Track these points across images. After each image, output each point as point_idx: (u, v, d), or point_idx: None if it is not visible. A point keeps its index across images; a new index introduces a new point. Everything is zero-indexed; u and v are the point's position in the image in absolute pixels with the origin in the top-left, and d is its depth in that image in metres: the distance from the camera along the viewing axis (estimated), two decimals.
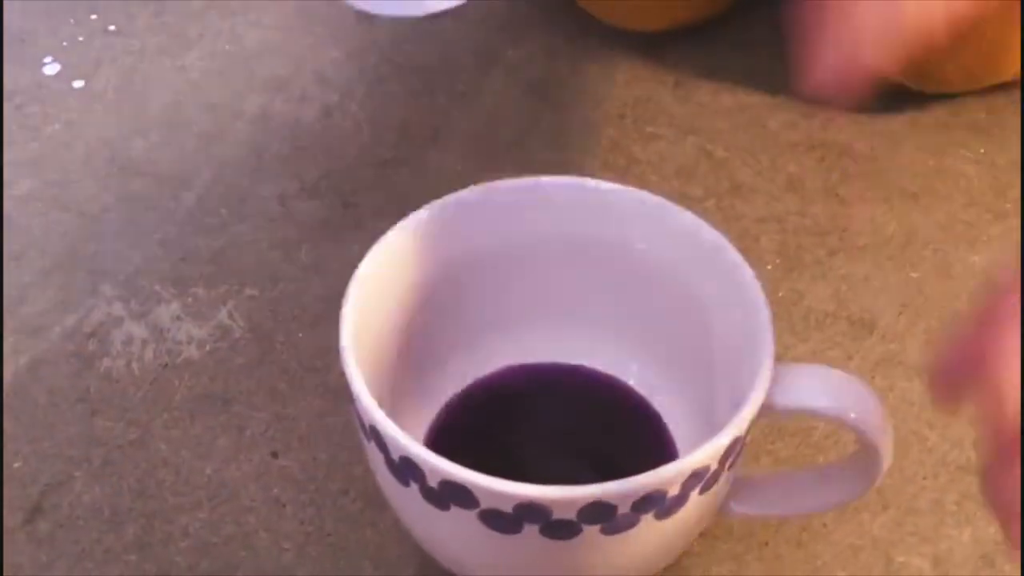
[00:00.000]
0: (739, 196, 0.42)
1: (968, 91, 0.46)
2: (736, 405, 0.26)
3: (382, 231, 0.41)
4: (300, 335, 0.37)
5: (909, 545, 0.32)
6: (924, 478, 0.33)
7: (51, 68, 0.47)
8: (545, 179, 0.31)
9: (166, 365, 0.36)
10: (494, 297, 0.33)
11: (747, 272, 0.28)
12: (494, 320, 0.33)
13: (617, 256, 0.32)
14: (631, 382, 0.33)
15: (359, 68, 0.47)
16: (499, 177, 0.43)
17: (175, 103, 0.46)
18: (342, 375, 0.36)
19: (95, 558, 0.31)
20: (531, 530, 0.24)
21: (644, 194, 0.31)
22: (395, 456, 0.25)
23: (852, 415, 0.26)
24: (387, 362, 0.30)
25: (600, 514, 0.24)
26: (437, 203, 0.31)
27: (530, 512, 0.24)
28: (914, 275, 0.39)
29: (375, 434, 0.25)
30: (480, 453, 0.31)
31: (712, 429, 0.28)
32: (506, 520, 0.24)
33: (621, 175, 0.43)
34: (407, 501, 0.26)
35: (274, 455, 0.34)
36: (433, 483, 0.25)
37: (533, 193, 0.31)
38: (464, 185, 0.42)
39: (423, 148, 0.44)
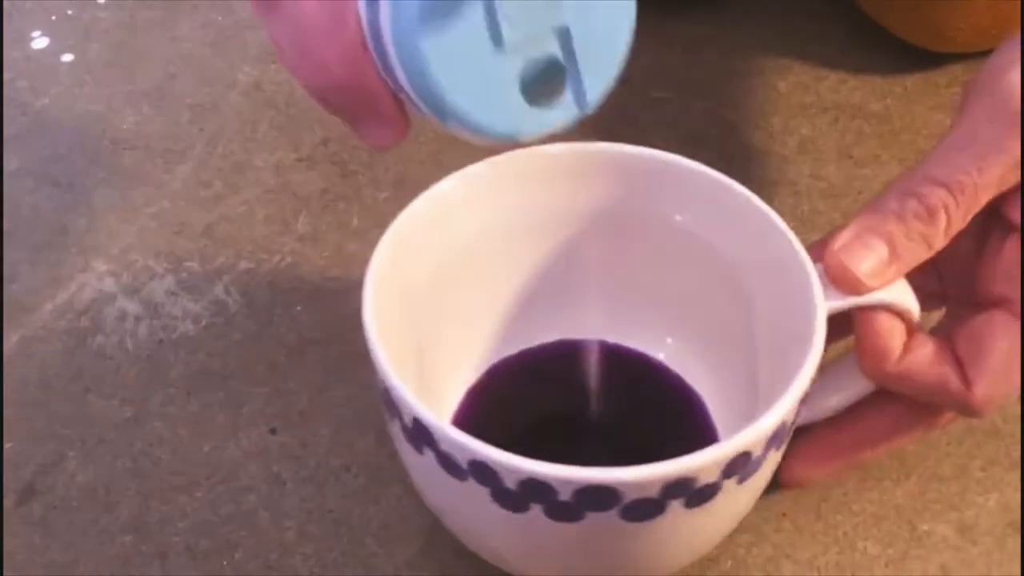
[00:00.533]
0: (751, 160, 0.41)
1: (982, 50, 0.45)
2: (786, 375, 0.24)
3: (381, 200, 0.40)
4: (299, 308, 0.36)
5: (934, 513, 0.31)
6: (948, 444, 0.32)
7: (40, 42, 0.46)
8: (575, 146, 0.29)
9: (161, 341, 0.35)
10: (523, 271, 0.31)
11: (794, 243, 0.27)
12: (522, 295, 0.31)
13: (652, 227, 0.30)
14: (661, 356, 0.32)
15: None
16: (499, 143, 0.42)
17: (167, 75, 0.44)
18: (343, 348, 0.35)
19: (90, 539, 0.30)
20: (605, 515, 0.23)
21: (681, 160, 0.29)
22: (408, 421, 0.24)
23: (888, 297, 0.26)
24: (412, 343, 0.28)
25: (683, 487, 0.23)
26: (461, 173, 0.29)
27: (596, 497, 0.23)
28: None
29: (426, 435, 0.24)
30: (513, 434, 0.30)
31: (751, 400, 0.27)
32: (567, 508, 0.23)
33: (629, 142, 0.42)
34: (430, 475, 0.25)
35: (273, 431, 0.33)
36: (511, 484, 0.23)
37: (563, 161, 0.29)
38: (465, 152, 0.41)
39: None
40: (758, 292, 0.28)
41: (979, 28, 0.43)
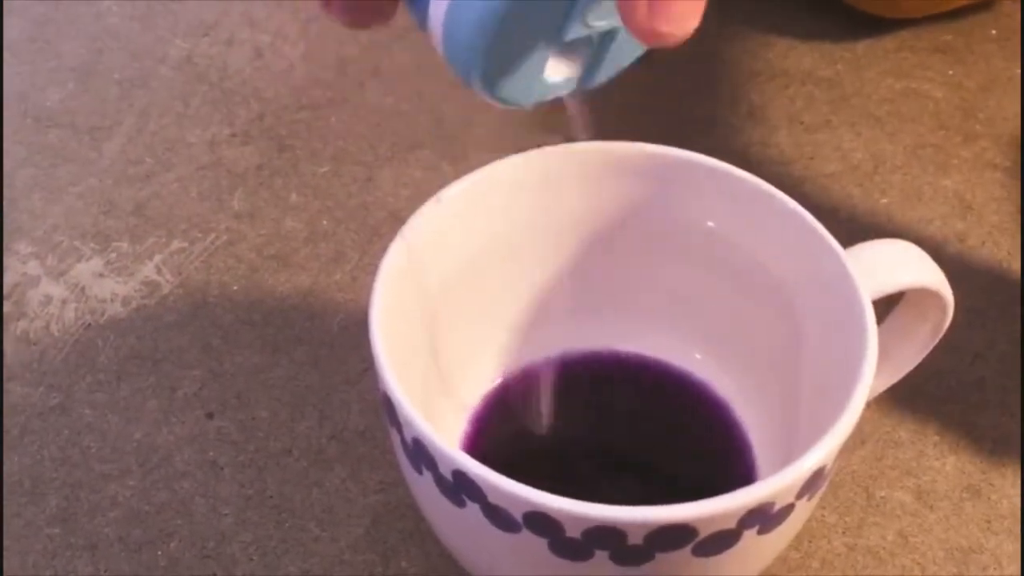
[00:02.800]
0: (700, 129, 0.40)
1: (930, 15, 0.44)
2: (832, 411, 0.23)
3: (320, 174, 0.38)
4: (235, 288, 0.35)
5: (890, 479, 0.30)
6: (903, 409, 0.32)
7: None
8: (597, 145, 0.27)
9: (88, 325, 0.33)
10: (540, 276, 0.29)
11: (845, 261, 0.25)
12: (539, 302, 0.29)
13: (681, 233, 0.28)
14: (690, 371, 0.30)
15: (291, 8, 0.44)
16: (443, 113, 0.40)
17: (93, 50, 0.43)
18: (282, 328, 0.34)
19: (14, 533, 0.29)
20: (677, 554, 0.21)
21: (712, 161, 0.27)
22: (446, 473, 0.22)
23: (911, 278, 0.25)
24: (420, 350, 0.26)
25: (760, 514, 0.21)
26: (479, 172, 0.26)
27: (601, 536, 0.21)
28: (883, 201, 0.38)
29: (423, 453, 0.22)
30: (529, 456, 0.28)
31: (790, 415, 0.26)
32: (636, 551, 0.21)
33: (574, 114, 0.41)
34: (456, 518, 0.23)
35: (209, 416, 0.31)
36: (574, 533, 0.21)
37: (584, 161, 0.27)
38: (409, 122, 0.40)
39: (362, 87, 0.41)
40: (803, 310, 0.26)
41: None
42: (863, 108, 0.41)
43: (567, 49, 0.22)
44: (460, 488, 0.22)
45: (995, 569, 0.28)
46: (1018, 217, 0.37)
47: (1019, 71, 0.43)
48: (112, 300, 0.34)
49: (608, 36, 0.22)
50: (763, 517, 0.21)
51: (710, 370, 0.30)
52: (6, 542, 0.29)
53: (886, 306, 0.30)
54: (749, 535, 0.22)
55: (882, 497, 0.30)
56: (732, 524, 0.21)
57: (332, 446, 0.31)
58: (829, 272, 0.25)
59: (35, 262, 0.35)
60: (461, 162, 0.39)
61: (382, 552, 0.28)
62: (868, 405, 0.25)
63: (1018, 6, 0.45)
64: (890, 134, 0.40)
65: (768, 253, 0.27)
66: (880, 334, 0.24)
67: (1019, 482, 0.30)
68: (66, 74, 0.42)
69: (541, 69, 0.22)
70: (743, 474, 0.27)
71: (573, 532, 0.21)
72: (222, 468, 0.30)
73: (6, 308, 0.34)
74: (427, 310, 0.27)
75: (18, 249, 0.35)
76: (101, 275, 0.35)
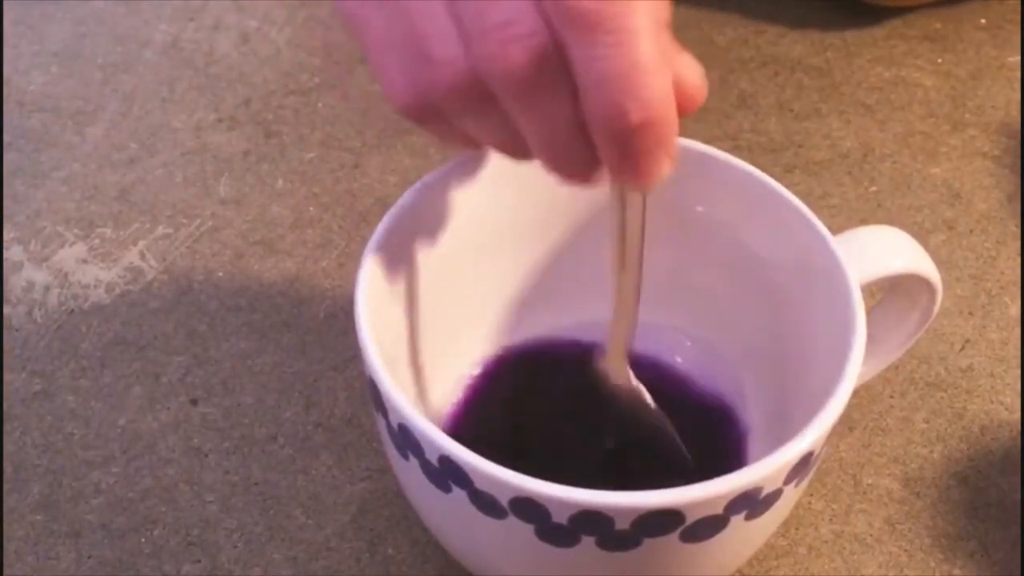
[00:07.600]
0: (690, 115, 0.40)
1: (920, 4, 0.44)
2: (825, 385, 0.23)
3: (307, 160, 0.38)
4: (220, 274, 0.34)
5: (877, 466, 0.30)
6: (891, 396, 0.32)
7: None
8: None
9: (72, 311, 0.33)
10: (528, 263, 0.29)
11: (832, 245, 0.25)
12: (527, 289, 0.29)
13: (669, 218, 0.27)
14: (679, 359, 0.30)
15: None
16: None
17: (77, 34, 0.42)
18: (268, 314, 0.33)
19: None
20: (664, 539, 0.21)
21: (700, 146, 0.27)
22: (432, 459, 0.22)
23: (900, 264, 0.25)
24: (405, 337, 0.26)
25: (748, 500, 0.21)
26: (465, 157, 0.26)
27: (587, 521, 0.21)
28: (872, 189, 0.38)
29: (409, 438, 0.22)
30: (514, 443, 0.28)
31: (779, 400, 0.25)
32: (623, 537, 0.21)
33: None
34: (445, 504, 0.23)
35: (194, 402, 0.31)
36: (560, 519, 0.21)
37: None
38: (393, 111, 0.40)
39: (350, 73, 0.41)
40: (792, 296, 0.26)
41: None
42: (853, 96, 0.41)
43: None
44: (446, 474, 0.21)
45: (982, 556, 0.28)
46: (1007, 205, 0.37)
47: (1009, 59, 0.42)
48: (96, 286, 0.34)
49: None
50: (751, 503, 0.21)
51: (699, 355, 0.29)
52: None
53: (875, 293, 0.30)
54: (736, 521, 0.22)
55: (869, 484, 0.30)
56: (719, 510, 0.21)
57: (318, 433, 0.30)
58: (818, 259, 0.25)
59: (18, 247, 0.35)
60: (449, 148, 0.38)
61: (368, 539, 0.28)
62: (856, 392, 0.25)
63: None
64: (879, 122, 0.40)
65: (757, 240, 0.27)
66: (869, 321, 0.24)
67: (1006, 469, 0.30)
68: (49, 58, 0.41)
69: None
70: (731, 460, 0.27)
71: (560, 518, 0.21)
72: (207, 455, 0.30)
73: None
74: (413, 296, 0.26)
75: (1, 234, 0.35)
76: (85, 261, 0.34)
